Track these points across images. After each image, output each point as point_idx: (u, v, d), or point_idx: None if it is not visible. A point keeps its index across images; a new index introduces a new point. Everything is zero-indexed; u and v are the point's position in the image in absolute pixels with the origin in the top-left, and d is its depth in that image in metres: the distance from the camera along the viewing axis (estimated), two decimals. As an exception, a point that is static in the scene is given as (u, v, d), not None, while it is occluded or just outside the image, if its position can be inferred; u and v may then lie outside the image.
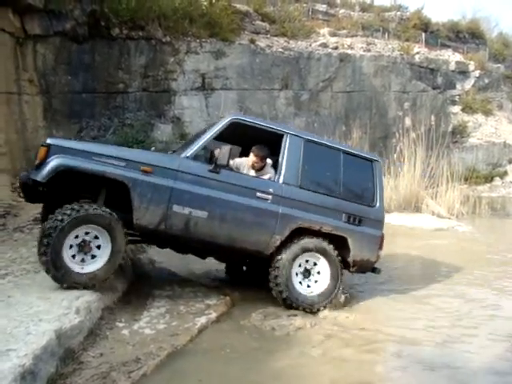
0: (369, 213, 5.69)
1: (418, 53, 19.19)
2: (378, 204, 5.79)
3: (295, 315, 5.11)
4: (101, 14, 10.33)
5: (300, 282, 5.39)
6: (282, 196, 5.27)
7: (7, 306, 4.14)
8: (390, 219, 11.12)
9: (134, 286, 5.51)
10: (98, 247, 4.59)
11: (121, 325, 4.44)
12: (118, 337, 4.23)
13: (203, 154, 5.16)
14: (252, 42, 11.83)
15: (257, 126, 5.48)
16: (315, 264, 5.44)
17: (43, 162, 4.50)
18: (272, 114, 12.10)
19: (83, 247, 4.53)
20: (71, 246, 4.47)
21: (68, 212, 4.39)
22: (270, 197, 5.21)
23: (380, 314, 5.62)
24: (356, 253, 5.57)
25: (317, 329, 4.88)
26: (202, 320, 4.73)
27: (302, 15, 16.55)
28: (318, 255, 5.39)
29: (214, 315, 4.93)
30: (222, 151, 4.94)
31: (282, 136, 5.51)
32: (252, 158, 5.65)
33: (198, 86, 11.02)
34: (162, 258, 6.74)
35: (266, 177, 5.56)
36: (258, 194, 5.18)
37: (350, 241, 5.51)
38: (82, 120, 11.33)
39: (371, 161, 5.93)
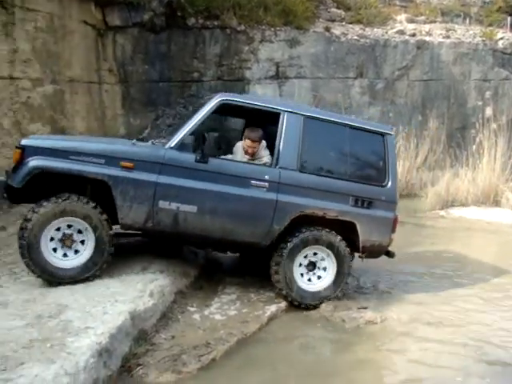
0: (380, 194, 5.17)
1: (501, 38, 18.14)
2: (390, 183, 5.21)
3: (365, 308, 5.00)
4: (177, 4, 10.50)
5: (302, 274, 5.02)
6: (280, 182, 4.81)
7: (86, 286, 4.34)
8: (466, 213, 10.76)
9: (205, 271, 5.60)
10: (82, 242, 4.43)
11: (192, 309, 4.54)
12: (189, 321, 4.33)
13: (191, 142, 4.63)
14: (327, 29, 11.64)
15: (248, 105, 4.98)
16: (321, 258, 5.06)
17: (19, 165, 4.31)
18: (346, 102, 11.87)
19: (64, 241, 4.38)
20: (52, 239, 4.33)
21: (44, 204, 4.25)
22: (265, 184, 4.77)
23: (456, 309, 5.31)
24: (365, 238, 5.10)
25: (388, 324, 4.76)
26: (272, 308, 4.75)
27: (378, 2, 16.09)
28: (324, 248, 5.00)
29: (283, 304, 4.93)
30: (209, 139, 4.69)
31: (278, 115, 4.98)
32: (245, 142, 5.24)
33: (272, 74, 10.99)
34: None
35: (266, 158, 5.14)
36: (253, 182, 4.74)
37: (358, 226, 5.04)
38: (158, 108, 11.58)
39: (382, 134, 5.28)
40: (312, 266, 5.06)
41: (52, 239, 4.33)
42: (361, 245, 5.10)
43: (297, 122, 4.95)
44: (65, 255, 4.38)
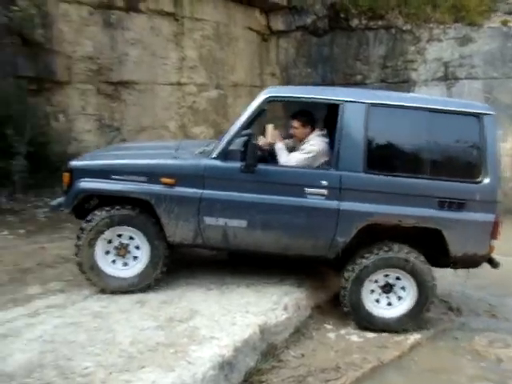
0: (473, 192, 4.13)
1: None
2: (487, 179, 4.11)
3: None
4: (340, 6, 10.31)
5: (377, 300, 4.31)
6: (341, 188, 4.10)
7: (221, 293, 4.32)
8: None
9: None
10: (138, 250, 4.31)
11: (328, 327, 4.29)
12: (322, 339, 4.08)
13: (236, 150, 4.18)
14: (504, 23, 10.42)
15: (301, 99, 4.29)
16: (398, 278, 4.28)
17: (68, 188, 4.31)
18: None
19: (119, 250, 4.30)
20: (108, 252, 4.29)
21: (99, 214, 4.19)
22: (323, 191, 4.10)
23: None
24: (456, 248, 4.16)
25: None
26: (416, 335, 4.27)
27: None
28: (398, 270, 4.22)
29: (431, 332, 4.42)
30: (249, 148, 4.05)
31: (336, 107, 4.19)
32: (292, 126, 4.59)
33: (440, 75, 10.17)
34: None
35: (308, 143, 4.39)
36: (307, 189, 4.11)
37: (445, 233, 4.11)
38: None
39: (478, 116, 4.14)
40: (388, 287, 4.31)
41: (107, 250, 4.29)
42: (451, 255, 4.21)
43: (359, 113, 4.11)
44: (125, 264, 4.32)
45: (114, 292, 4.23)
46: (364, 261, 4.16)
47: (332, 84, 11.13)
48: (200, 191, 4.12)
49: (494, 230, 4.16)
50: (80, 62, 7.89)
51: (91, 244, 4.17)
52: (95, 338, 3.46)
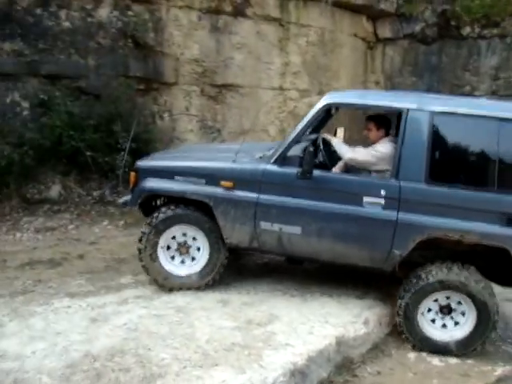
0: None
1: None
2: None
3: None
4: (452, 13, 9.87)
5: (433, 320, 4.03)
6: (400, 198, 3.91)
7: (304, 300, 4.32)
8: None
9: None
10: (198, 249, 4.40)
11: (409, 347, 4.11)
12: (401, 359, 3.94)
13: (294, 155, 4.13)
14: None
15: (361, 105, 4.33)
16: (458, 302, 3.97)
17: (134, 187, 4.49)
18: None
19: (181, 248, 4.39)
20: (168, 248, 4.39)
21: (163, 210, 4.31)
22: (381, 201, 3.94)
23: None
24: None
25: None
26: (505, 366, 3.99)
27: None
28: (457, 293, 3.91)
29: (523, 365, 4.11)
30: (306, 154, 3.95)
31: (400, 114, 4.06)
32: (367, 127, 4.44)
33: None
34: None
35: (377, 146, 4.23)
36: (365, 198, 3.97)
37: None
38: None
39: None
40: (447, 309, 4.02)
41: (168, 247, 4.39)
42: None
43: (422, 121, 3.93)
44: (182, 262, 4.42)
45: (173, 289, 4.36)
46: (420, 282, 3.95)
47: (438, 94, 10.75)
48: (257, 195, 4.14)
49: None
50: (187, 64, 8.23)
51: (154, 240, 4.32)
52: (175, 331, 3.60)
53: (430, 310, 4.03)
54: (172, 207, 4.32)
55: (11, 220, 6.46)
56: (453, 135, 3.98)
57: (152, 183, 4.35)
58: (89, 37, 7.32)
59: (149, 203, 4.63)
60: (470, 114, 3.92)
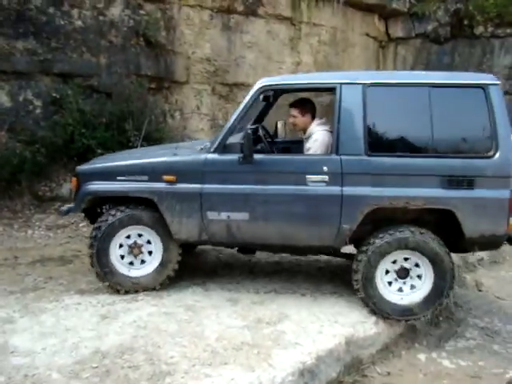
0: (484, 168, 3.86)
1: None
2: (499, 152, 3.84)
3: None
4: (465, 12, 9.82)
5: (389, 283, 4.08)
6: (343, 173, 3.93)
7: (314, 299, 4.30)
8: None
9: (447, 307, 5.00)
10: (150, 253, 4.32)
11: (419, 348, 4.09)
12: (412, 360, 3.91)
13: (234, 142, 4.07)
14: None
15: (296, 86, 4.31)
16: (415, 265, 4.04)
17: (77, 192, 4.38)
18: None
19: (133, 249, 4.29)
20: (121, 246, 4.29)
21: (113, 213, 4.23)
22: (324, 177, 3.94)
23: None
24: (471, 228, 3.89)
25: None
26: (518, 369, 3.94)
27: None
28: (414, 252, 3.97)
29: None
30: (245, 138, 3.91)
31: (333, 90, 4.04)
32: (291, 115, 4.50)
33: None
34: (491, 281, 5.96)
35: (312, 140, 4.30)
36: (309, 177, 3.96)
37: (457, 214, 3.86)
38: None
39: (483, 87, 3.87)
40: (405, 273, 4.07)
41: (121, 246, 4.30)
42: (466, 237, 3.92)
43: (356, 94, 3.96)
44: (131, 264, 4.33)
45: (134, 291, 4.27)
46: (377, 241, 3.98)
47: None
48: (200, 186, 4.08)
49: (511, 207, 3.88)
50: (198, 63, 8.26)
51: (106, 243, 4.22)
52: (185, 329, 3.60)
53: (388, 271, 4.08)
54: (121, 209, 4.24)
55: (23, 217, 6.52)
56: (387, 105, 4.03)
57: (94, 186, 4.26)
58: (101, 35, 7.37)
59: (93, 210, 4.58)
60: (401, 82, 4.03)
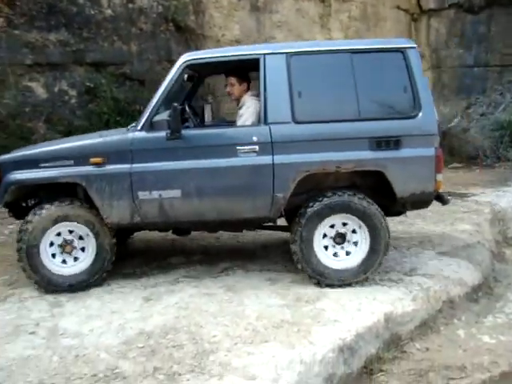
0: (409, 127, 4.01)
1: None
2: (422, 112, 4.00)
3: None
4: (501, -22, 9.52)
5: (326, 247, 4.14)
6: (272, 141, 3.97)
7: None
8: None
9: (486, 282, 4.96)
10: (83, 249, 4.18)
11: (459, 323, 4.08)
12: (451, 336, 3.90)
13: (161, 119, 4.01)
14: None
15: (219, 59, 4.23)
16: (352, 230, 4.12)
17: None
18: None
19: (64, 247, 4.15)
20: (52, 244, 4.13)
21: (46, 207, 4.08)
22: (254, 147, 3.97)
23: None
24: (401, 187, 4.03)
25: None
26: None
27: None
28: (350, 216, 4.06)
29: None
30: (172, 111, 3.87)
31: (257, 62, 4.09)
32: (229, 83, 4.52)
33: None
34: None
35: (244, 107, 4.34)
36: (239, 148, 3.97)
37: (387, 174, 3.99)
38: (471, 96, 10.79)
39: (401, 51, 4.05)
40: (341, 238, 4.14)
41: (52, 244, 4.14)
42: (398, 197, 4.05)
43: (280, 64, 4.04)
44: (64, 262, 4.18)
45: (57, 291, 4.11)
46: (309, 210, 4.03)
47: (486, 65, 10.41)
48: (129, 166, 4.00)
49: (437, 165, 4.05)
50: (228, 45, 8.25)
51: (35, 242, 4.06)
52: (226, 309, 3.69)
53: (325, 235, 4.13)
54: (51, 203, 4.09)
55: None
56: (311, 73, 4.10)
57: (17, 175, 4.07)
58: (130, 23, 7.47)
59: (18, 205, 4.46)
60: (323, 50, 4.13)
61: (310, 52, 4.12)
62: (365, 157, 4.01)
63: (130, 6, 7.38)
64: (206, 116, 4.93)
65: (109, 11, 7.27)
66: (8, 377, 2.92)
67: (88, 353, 3.14)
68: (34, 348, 3.23)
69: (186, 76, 4.35)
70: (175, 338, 3.29)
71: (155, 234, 5.36)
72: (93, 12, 7.14)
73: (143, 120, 4.05)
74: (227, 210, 4.11)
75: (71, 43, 7.07)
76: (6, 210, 4.44)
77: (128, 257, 4.93)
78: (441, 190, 4.26)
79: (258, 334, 3.31)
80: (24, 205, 4.48)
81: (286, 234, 4.83)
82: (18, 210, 4.46)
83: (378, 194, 4.21)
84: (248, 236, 5.59)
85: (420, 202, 4.22)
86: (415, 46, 4.15)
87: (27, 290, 4.18)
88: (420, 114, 4.02)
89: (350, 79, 4.03)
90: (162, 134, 3.98)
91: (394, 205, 4.21)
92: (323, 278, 4.09)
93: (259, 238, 5.55)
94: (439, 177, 4.10)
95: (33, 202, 4.44)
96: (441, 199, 4.36)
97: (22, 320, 3.63)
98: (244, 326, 3.42)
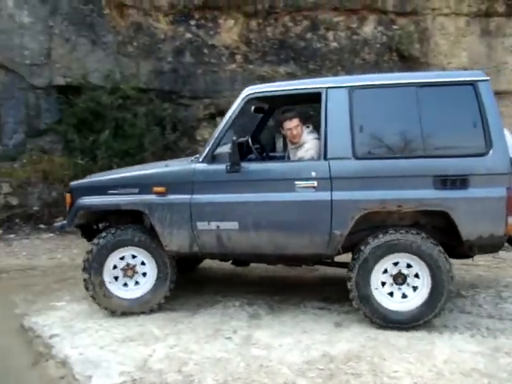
0: (478, 166, 3.73)
1: None
2: (492, 149, 3.70)
3: None
4: None
5: (391, 294, 3.89)
6: (331, 177, 3.86)
7: None
8: None
9: None
10: (144, 274, 4.32)
11: None
12: None
13: (223, 152, 4.05)
14: None
15: (281, 92, 4.23)
16: (409, 266, 3.85)
17: (70, 208, 4.37)
18: None
19: (126, 271, 4.30)
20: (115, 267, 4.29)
21: (104, 235, 4.25)
22: (313, 183, 3.88)
23: None
24: (468, 230, 3.74)
25: None
26: None
27: None
28: (410, 255, 3.81)
29: None
30: (231, 146, 3.93)
31: (319, 95, 4.00)
32: (283, 129, 4.41)
33: None
34: None
35: (304, 150, 4.24)
36: (297, 183, 3.89)
37: (453, 215, 3.72)
38: None
39: (472, 84, 3.80)
40: (402, 279, 3.88)
41: (115, 267, 4.30)
42: (463, 239, 3.76)
43: (342, 98, 3.94)
44: (125, 285, 4.32)
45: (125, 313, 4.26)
46: (367, 247, 3.84)
47: None
48: (190, 196, 4.07)
49: (509, 206, 3.70)
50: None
51: (100, 264, 4.23)
52: (414, 346, 3.57)
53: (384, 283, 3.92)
54: (113, 230, 4.27)
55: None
56: (374, 107, 3.99)
57: (86, 200, 4.30)
58: (354, 54, 7.70)
59: (90, 228, 4.65)
60: (387, 83, 3.98)
61: (373, 86, 4.00)
62: (428, 196, 3.79)
63: (355, 37, 7.62)
64: (276, 146, 4.92)
65: (334, 44, 7.61)
66: (200, 372, 3.30)
67: (272, 365, 3.34)
68: (227, 352, 3.57)
69: (253, 108, 4.44)
70: (356, 366, 3.30)
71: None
72: (319, 45, 7.56)
73: (205, 152, 4.16)
74: (284, 244, 4.07)
75: (298, 75, 7.57)
76: (79, 230, 4.78)
77: (321, 281, 5.06)
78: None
79: (442, 378, 3.13)
80: (95, 227, 4.73)
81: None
82: (90, 233, 4.68)
83: (445, 235, 3.96)
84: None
85: (489, 245, 3.91)
86: (487, 78, 3.86)
87: (232, 298, 4.60)
88: (490, 152, 3.73)
89: (415, 114, 3.86)
90: (223, 166, 4.05)
91: (460, 247, 3.94)
92: (387, 322, 3.88)
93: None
94: (511, 219, 3.73)
95: (103, 225, 4.69)
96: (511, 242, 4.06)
97: (222, 325, 4.04)
98: (429, 366, 3.26)
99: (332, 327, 3.96)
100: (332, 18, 7.58)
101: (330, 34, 7.60)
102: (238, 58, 7.71)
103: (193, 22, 7.76)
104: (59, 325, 4.17)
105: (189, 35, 7.76)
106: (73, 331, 4.03)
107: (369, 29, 7.65)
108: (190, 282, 5.16)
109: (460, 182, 3.76)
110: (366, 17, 7.62)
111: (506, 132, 4.02)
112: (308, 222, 3.97)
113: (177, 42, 7.77)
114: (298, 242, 4.05)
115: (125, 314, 4.27)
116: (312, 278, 5.31)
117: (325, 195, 3.91)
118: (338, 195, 3.89)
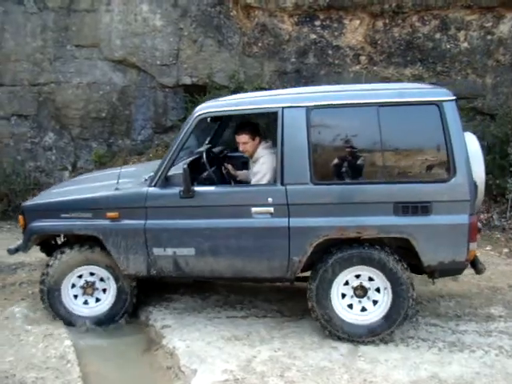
0: (441, 192, 3.58)
1: None
2: (456, 175, 3.53)
3: None
4: None
5: (350, 306, 3.78)
6: (288, 203, 3.67)
7: None
8: None
9: None
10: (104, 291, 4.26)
11: None
12: None
13: (176, 175, 3.88)
14: None
15: (234, 111, 4.07)
16: (371, 279, 3.74)
17: (24, 230, 4.27)
18: None
19: (86, 289, 4.24)
20: (73, 286, 4.23)
21: (67, 251, 4.19)
22: (269, 209, 3.71)
23: None
24: (429, 256, 3.64)
25: None
26: None
27: None
28: (372, 269, 3.69)
29: None
30: (183, 171, 3.75)
31: (274, 115, 3.76)
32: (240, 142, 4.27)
33: None
34: None
35: (259, 164, 4.10)
36: (254, 209, 3.74)
37: (414, 242, 3.59)
38: None
39: (437, 104, 3.55)
40: (363, 291, 3.81)
41: (74, 286, 4.23)
42: (424, 265, 3.66)
43: (299, 118, 3.72)
44: (85, 303, 4.27)
45: None
46: (329, 260, 3.75)
47: None
48: (144, 222, 3.94)
49: (471, 233, 3.61)
50: None
51: (58, 283, 4.17)
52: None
53: (344, 295, 3.84)
54: (73, 247, 4.20)
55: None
56: (333, 129, 3.84)
57: (38, 225, 4.17)
58: (487, 55, 7.18)
59: (48, 243, 4.54)
60: (347, 103, 3.75)
61: (332, 106, 3.76)
62: (389, 223, 3.67)
63: (489, 37, 7.08)
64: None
65: (465, 44, 7.13)
66: (302, 379, 3.28)
67: (376, 381, 3.23)
68: (331, 361, 3.50)
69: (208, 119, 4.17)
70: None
71: (481, 282, 5.05)
72: (448, 46, 7.12)
73: (158, 176, 3.97)
74: (243, 270, 3.98)
75: (424, 77, 7.22)
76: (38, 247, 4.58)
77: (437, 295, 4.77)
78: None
79: None
80: (53, 242, 4.63)
81: None
82: (49, 248, 4.59)
83: (408, 255, 3.81)
84: None
85: (450, 270, 3.87)
86: (453, 98, 3.61)
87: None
88: (454, 178, 3.58)
89: (377, 136, 3.65)
90: (176, 190, 3.89)
91: (418, 271, 3.95)
92: (346, 335, 3.80)
93: None
94: (473, 246, 3.67)
95: (61, 239, 4.62)
96: (475, 267, 3.92)
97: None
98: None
99: (444, 346, 3.72)
100: (464, 16, 7.11)
101: (461, 34, 7.11)
102: (363, 59, 7.50)
103: (317, 23, 7.68)
104: (171, 316, 4.33)
105: (313, 36, 7.68)
106: (183, 323, 4.17)
107: (505, 27, 7.04)
108: (299, 289, 5.13)
109: (421, 208, 3.65)
110: (503, 15, 7.06)
111: (469, 136, 3.77)
112: (266, 249, 3.86)
113: (301, 43, 7.73)
114: (257, 267, 3.97)
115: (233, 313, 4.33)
116: (428, 293, 5.03)
117: (282, 222, 3.79)
118: (296, 222, 3.77)
